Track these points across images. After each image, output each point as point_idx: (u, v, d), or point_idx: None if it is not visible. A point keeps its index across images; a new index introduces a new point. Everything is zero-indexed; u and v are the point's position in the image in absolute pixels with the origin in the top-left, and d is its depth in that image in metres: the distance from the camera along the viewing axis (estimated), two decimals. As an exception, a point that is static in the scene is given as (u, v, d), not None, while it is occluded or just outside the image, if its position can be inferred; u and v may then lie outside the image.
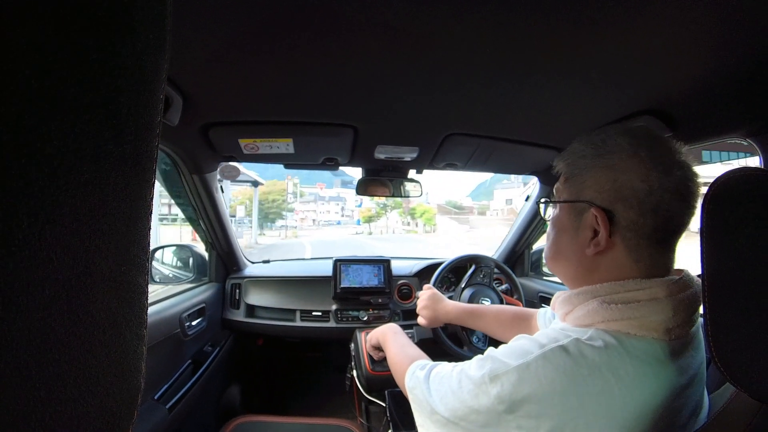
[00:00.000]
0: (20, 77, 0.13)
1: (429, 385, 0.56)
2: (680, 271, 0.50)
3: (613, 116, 0.85)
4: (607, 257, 0.49)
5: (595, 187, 0.49)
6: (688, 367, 0.46)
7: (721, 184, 0.40)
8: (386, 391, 1.28)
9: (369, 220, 49.94)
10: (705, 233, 0.40)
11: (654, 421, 0.42)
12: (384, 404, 1.28)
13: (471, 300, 1.32)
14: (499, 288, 1.43)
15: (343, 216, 66.61)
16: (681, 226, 0.48)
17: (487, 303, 1.32)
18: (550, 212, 0.59)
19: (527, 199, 1.64)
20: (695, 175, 0.48)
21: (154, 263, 1.46)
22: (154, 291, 1.33)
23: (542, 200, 0.62)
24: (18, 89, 0.13)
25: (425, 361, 0.67)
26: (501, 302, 1.35)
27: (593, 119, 0.87)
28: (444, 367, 0.57)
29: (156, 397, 1.07)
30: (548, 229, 0.58)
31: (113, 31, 0.15)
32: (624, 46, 0.57)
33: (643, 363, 0.43)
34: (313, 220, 62.35)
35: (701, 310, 0.44)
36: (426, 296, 1.09)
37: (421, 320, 1.09)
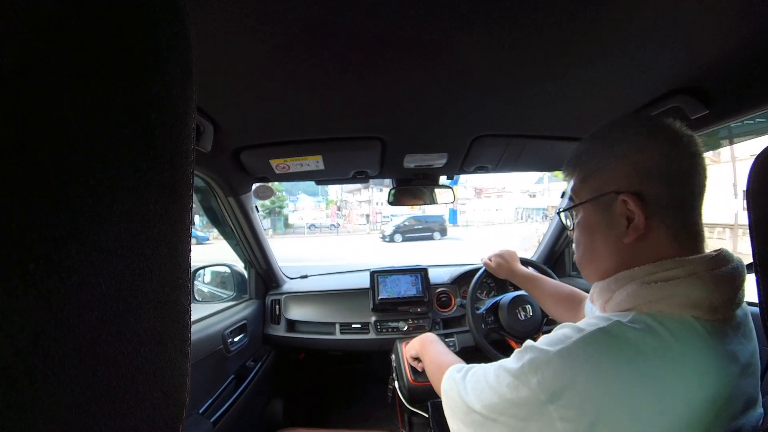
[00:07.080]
0: (62, 118, 0.14)
1: (465, 384, 0.55)
2: (718, 249, 0.49)
3: (643, 100, 0.80)
4: (649, 240, 0.49)
5: (617, 176, 0.50)
6: (738, 354, 0.43)
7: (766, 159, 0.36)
8: (429, 402, 1.26)
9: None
10: (753, 215, 0.36)
11: (705, 409, 0.39)
12: (427, 415, 1.25)
13: (511, 306, 1.28)
14: None
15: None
16: (701, 188, 0.49)
17: (529, 308, 1.28)
18: (570, 223, 0.60)
19: (563, 195, 1.58)
20: (690, 137, 0.49)
21: (195, 283, 1.53)
22: (198, 310, 1.39)
23: (562, 210, 0.61)
24: (60, 130, 0.14)
25: (462, 365, 0.66)
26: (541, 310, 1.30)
27: (623, 104, 0.83)
28: (481, 366, 0.56)
29: (201, 411, 1.11)
30: (576, 236, 0.58)
31: (143, 69, 0.16)
32: (648, 22, 0.54)
33: (688, 344, 0.41)
34: (366, 216, 34.49)
35: (756, 297, 0.41)
36: (502, 251, 1.22)
37: (489, 262, 1.21)
